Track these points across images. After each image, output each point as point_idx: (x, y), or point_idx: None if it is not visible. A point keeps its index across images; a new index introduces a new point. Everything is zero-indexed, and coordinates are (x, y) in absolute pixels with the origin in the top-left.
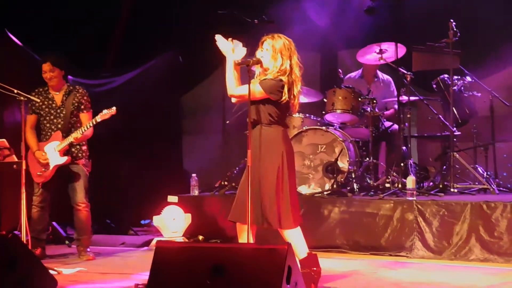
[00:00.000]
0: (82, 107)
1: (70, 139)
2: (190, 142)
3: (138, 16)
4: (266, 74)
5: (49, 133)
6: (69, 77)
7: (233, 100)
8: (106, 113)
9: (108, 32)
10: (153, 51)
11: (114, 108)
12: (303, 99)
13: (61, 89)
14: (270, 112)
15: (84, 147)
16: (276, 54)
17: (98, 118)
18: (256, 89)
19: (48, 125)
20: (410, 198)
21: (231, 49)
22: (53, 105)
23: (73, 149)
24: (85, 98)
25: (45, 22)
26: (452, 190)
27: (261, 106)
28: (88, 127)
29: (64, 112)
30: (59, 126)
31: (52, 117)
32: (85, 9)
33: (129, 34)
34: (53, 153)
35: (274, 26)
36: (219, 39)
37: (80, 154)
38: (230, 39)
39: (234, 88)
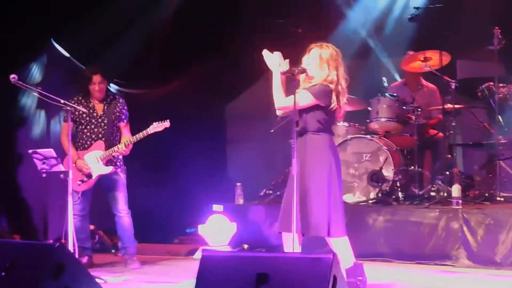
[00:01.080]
0: (123, 117)
1: (115, 149)
2: (234, 150)
3: (181, 25)
4: (311, 82)
5: (88, 142)
6: (112, 85)
7: (279, 112)
8: (158, 126)
9: (151, 40)
10: (198, 59)
11: (168, 121)
12: (347, 108)
13: (102, 98)
14: (319, 119)
15: (121, 156)
16: (322, 64)
17: (150, 130)
18: (305, 96)
19: (88, 134)
20: (456, 207)
21: (277, 64)
22: (94, 114)
23: (113, 159)
24: (125, 108)
25: (88, 30)
26: (498, 198)
27: (309, 113)
28: (136, 139)
29: (105, 122)
30: (100, 135)
31: (92, 126)
32: (128, 19)
33: (172, 43)
34: (95, 163)
35: (317, 34)
36: (266, 54)
37: (118, 163)
38: (276, 52)
39: (283, 100)
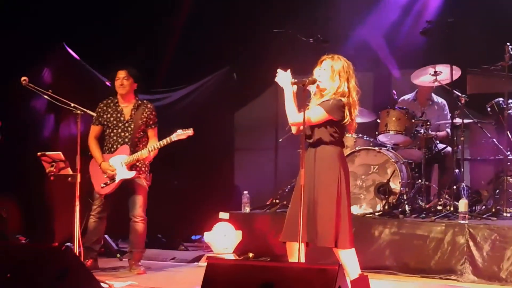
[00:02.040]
0: (151, 122)
1: (139, 155)
2: (242, 158)
3: (192, 32)
4: (323, 95)
5: (114, 146)
6: None
7: (293, 129)
8: (182, 134)
9: (162, 48)
10: (208, 68)
11: (191, 129)
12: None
13: (130, 102)
14: (331, 132)
15: (147, 162)
16: (334, 76)
17: (174, 138)
18: (318, 112)
19: (115, 137)
20: (462, 222)
21: (289, 82)
22: (122, 118)
23: (138, 164)
24: (153, 113)
25: (101, 37)
26: (504, 214)
27: (321, 127)
28: (160, 146)
29: (132, 126)
30: (126, 140)
31: (119, 130)
32: (140, 25)
33: (183, 51)
34: (119, 167)
35: (329, 46)
36: (280, 73)
37: (143, 168)
38: (287, 70)
39: (296, 116)
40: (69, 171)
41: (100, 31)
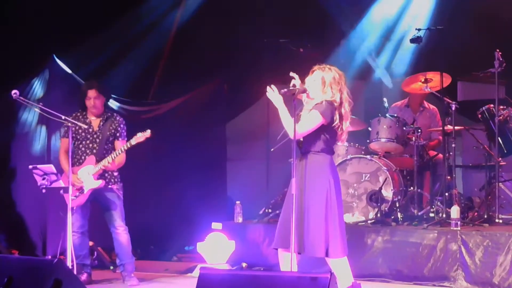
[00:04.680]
0: (118, 134)
1: (104, 163)
2: (234, 169)
3: (183, 44)
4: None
5: (83, 157)
6: (117, 104)
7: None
8: (140, 136)
9: (154, 60)
10: (199, 79)
11: (148, 131)
12: (348, 128)
13: (99, 115)
14: (321, 138)
15: (116, 173)
16: (325, 88)
17: (133, 141)
18: (314, 116)
19: (83, 149)
20: (454, 228)
21: (281, 100)
22: (90, 130)
23: (106, 175)
24: (121, 126)
25: (91, 49)
26: (497, 220)
27: (312, 133)
28: (121, 152)
29: (100, 138)
30: (94, 151)
31: (88, 141)
32: (130, 37)
33: (174, 62)
34: (87, 177)
35: (319, 55)
36: (270, 91)
37: (112, 180)
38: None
39: (299, 128)
40: (60, 183)
41: (90, 43)
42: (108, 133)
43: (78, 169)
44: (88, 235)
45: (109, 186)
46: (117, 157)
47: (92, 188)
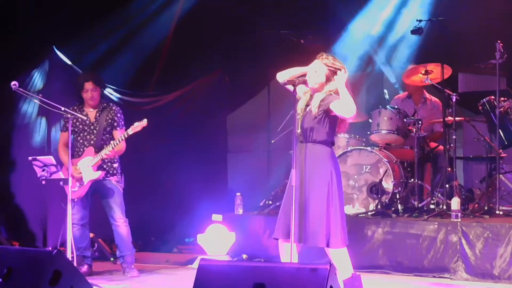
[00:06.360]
0: (115, 124)
1: (102, 154)
2: (234, 160)
3: (184, 35)
4: (312, 96)
5: (81, 149)
6: (117, 95)
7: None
8: (137, 126)
9: (154, 51)
10: (200, 70)
11: (145, 120)
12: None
13: (96, 106)
14: (323, 131)
15: (115, 164)
16: (327, 77)
17: (130, 131)
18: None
19: (81, 141)
20: (455, 220)
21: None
22: (87, 121)
23: (104, 166)
24: (118, 115)
25: (92, 40)
26: (497, 212)
27: (315, 124)
28: (119, 141)
29: (97, 129)
30: (92, 142)
31: (85, 133)
32: (130, 28)
33: (175, 53)
34: (86, 169)
35: (320, 46)
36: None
37: (111, 171)
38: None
39: (348, 105)
40: (60, 175)
41: (91, 34)
42: (105, 123)
43: (77, 161)
44: (89, 227)
45: (108, 178)
46: (116, 146)
47: (92, 180)
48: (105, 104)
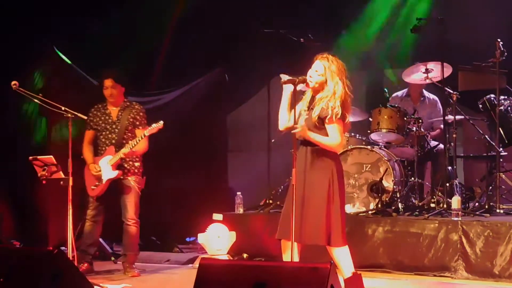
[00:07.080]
0: (138, 123)
1: (121, 154)
2: (235, 160)
3: (183, 34)
4: (321, 99)
5: (103, 148)
6: None
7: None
8: (154, 127)
9: (154, 50)
10: (200, 69)
11: (161, 122)
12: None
13: (118, 104)
14: (324, 133)
15: (137, 163)
16: (327, 77)
17: (146, 133)
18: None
19: (103, 140)
20: (455, 219)
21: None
22: (109, 120)
23: (125, 165)
24: (140, 114)
25: (92, 39)
26: (498, 210)
27: (315, 129)
28: (137, 141)
29: (119, 128)
30: (113, 141)
31: (107, 132)
32: (131, 28)
33: (175, 52)
34: (106, 167)
35: (320, 45)
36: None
37: (132, 170)
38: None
39: (335, 141)
40: (61, 174)
41: (91, 33)
42: (126, 122)
43: (99, 160)
44: (101, 225)
45: (128, 177)
46: (136, 145)
47: (110, 179)
48: (128, 103)
